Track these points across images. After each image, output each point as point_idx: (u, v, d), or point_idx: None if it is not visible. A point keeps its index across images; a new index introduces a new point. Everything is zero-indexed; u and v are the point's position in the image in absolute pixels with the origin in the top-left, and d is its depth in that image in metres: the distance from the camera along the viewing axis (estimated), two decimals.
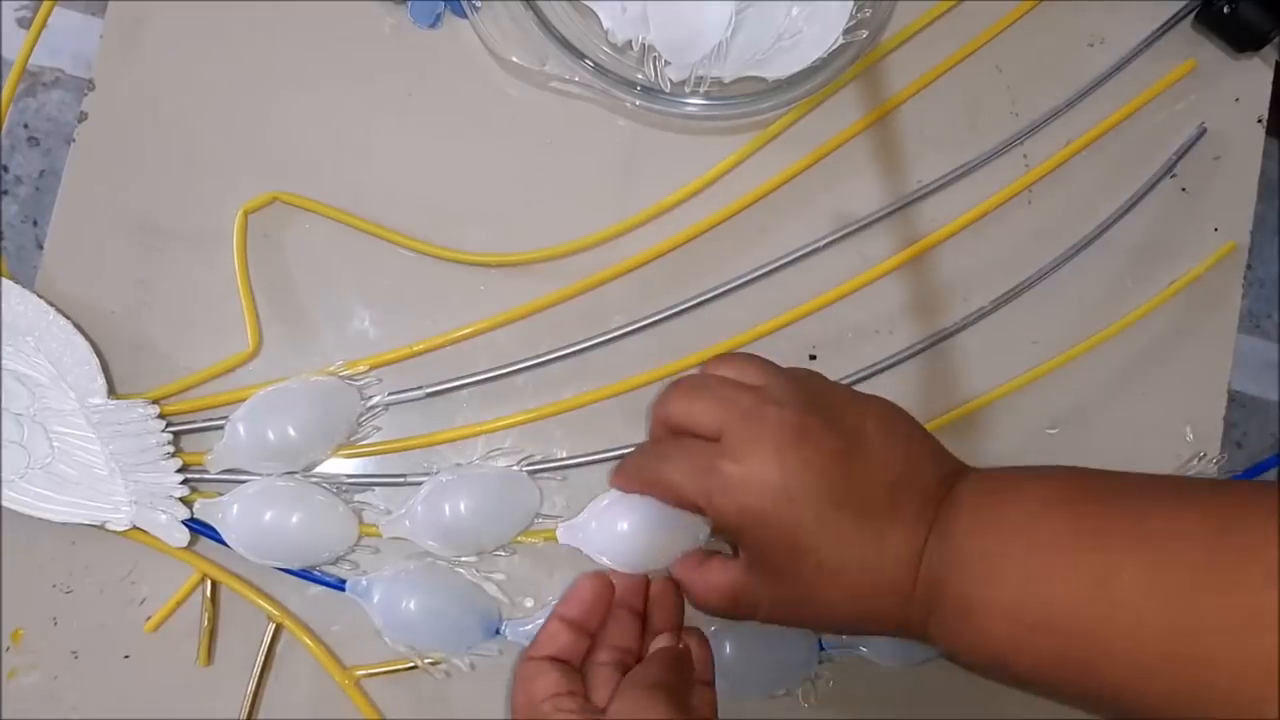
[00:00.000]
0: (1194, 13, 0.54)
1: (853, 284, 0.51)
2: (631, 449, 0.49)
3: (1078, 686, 0.37)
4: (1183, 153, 0.54)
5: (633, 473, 0.46)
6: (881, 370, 0.52)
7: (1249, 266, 0.55)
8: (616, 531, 0.47)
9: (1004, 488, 0.40)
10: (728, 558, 0.44)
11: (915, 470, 0.41)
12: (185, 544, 0.47)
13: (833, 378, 0.51)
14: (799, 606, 0.42)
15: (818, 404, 0.42)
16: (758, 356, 0.44)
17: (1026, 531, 0.38)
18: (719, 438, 0.41)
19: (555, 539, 0.49)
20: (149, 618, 0.49)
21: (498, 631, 0.49)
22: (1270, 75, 0.55)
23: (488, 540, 0.49)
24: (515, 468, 0.50)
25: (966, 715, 0.53)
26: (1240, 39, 0.53)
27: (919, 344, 0.52)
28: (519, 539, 0.49)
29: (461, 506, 0.48)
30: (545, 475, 0.50)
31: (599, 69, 0.48)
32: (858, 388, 0.51)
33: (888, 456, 0.41)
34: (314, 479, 0.49)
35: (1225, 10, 0.52)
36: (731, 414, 0.41)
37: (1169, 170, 0.54)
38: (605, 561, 0.48)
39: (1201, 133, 0.54)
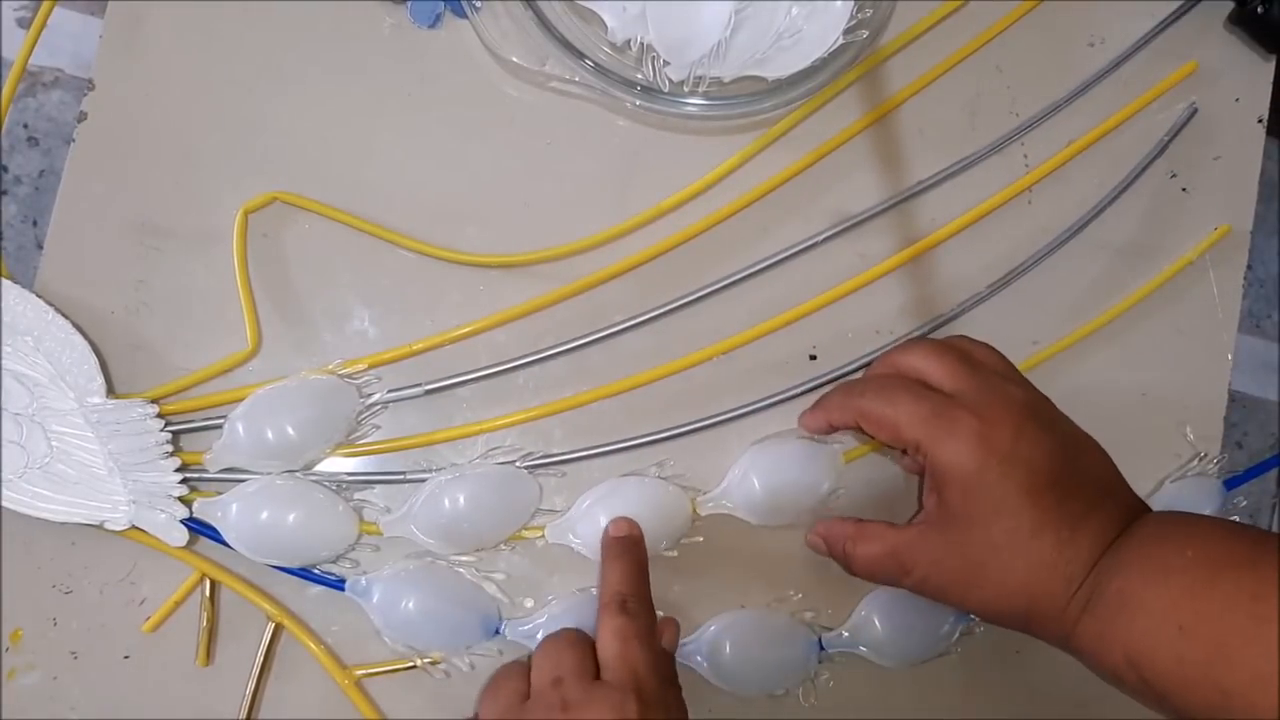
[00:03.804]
0: (1188, 11, 0.54)
1: (852, 284, 0.51)
2: (631, 441, 0.50)
3: (1202, 699, 0.38)
4: (1174, 132, 0.54)
5: (842, 404, 0.47)
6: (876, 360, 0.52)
7: (1249, 266, 0.55)
8: (599, 524, 0.48)
9: (1184, 519, 0.43)
10: (889, 524, 0.46)
11: (1117, 488, 0.45)
12: (184, 543, 0.47)
13: (832, 378, 0.51)
14: (963, 577, 0.44)
15: (1048, 405, 0.45)
16: (1000, 354, 0.47)
17: (1195, 553, 0.40)
18: (953, 393, 0.44)
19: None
20: (148, 618, 0.49)
21: (497, 631, 0.49)
22: (1270, 75, 0.55)
23: (488, 536, 0.49)
24: (515, 464, 0.50)
25: (966, 715, 0.53)
26: (1273, 40, 0.54)
27: (916, 329, 0.52)
28: (519, 534, 0.49)
29: (461, 501, 0.48)
30: (545, 472, 0.50)
31: (599, 69, 0.48)
32: (854, 379, 0.52)
33: (1099, 468, 0.44)
34: (313, 477, 0.49)
35: (1259, 10, 0.53)
36: (975, 379, 0.44)
37: (1161, 150, 0.54)
38: (590, 555, 0.49)
39: (1193, 113, 0.54)
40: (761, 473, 0.50)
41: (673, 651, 0.47)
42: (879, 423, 0.45)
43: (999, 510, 0.42)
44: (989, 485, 0.42)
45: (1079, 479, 0.43)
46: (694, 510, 0.50)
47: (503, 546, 0.50)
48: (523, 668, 0.45)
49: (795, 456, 0.50)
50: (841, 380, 0.49)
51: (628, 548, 0.47)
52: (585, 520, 0.49)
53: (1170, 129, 0.54)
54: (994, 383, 0.44)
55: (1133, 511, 0.44)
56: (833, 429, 0.48)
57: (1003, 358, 0.47)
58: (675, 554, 0.50)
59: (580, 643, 0.44)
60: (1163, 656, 0.39)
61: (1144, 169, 0.54)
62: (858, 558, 0.46)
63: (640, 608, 0.45)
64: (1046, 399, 0.45)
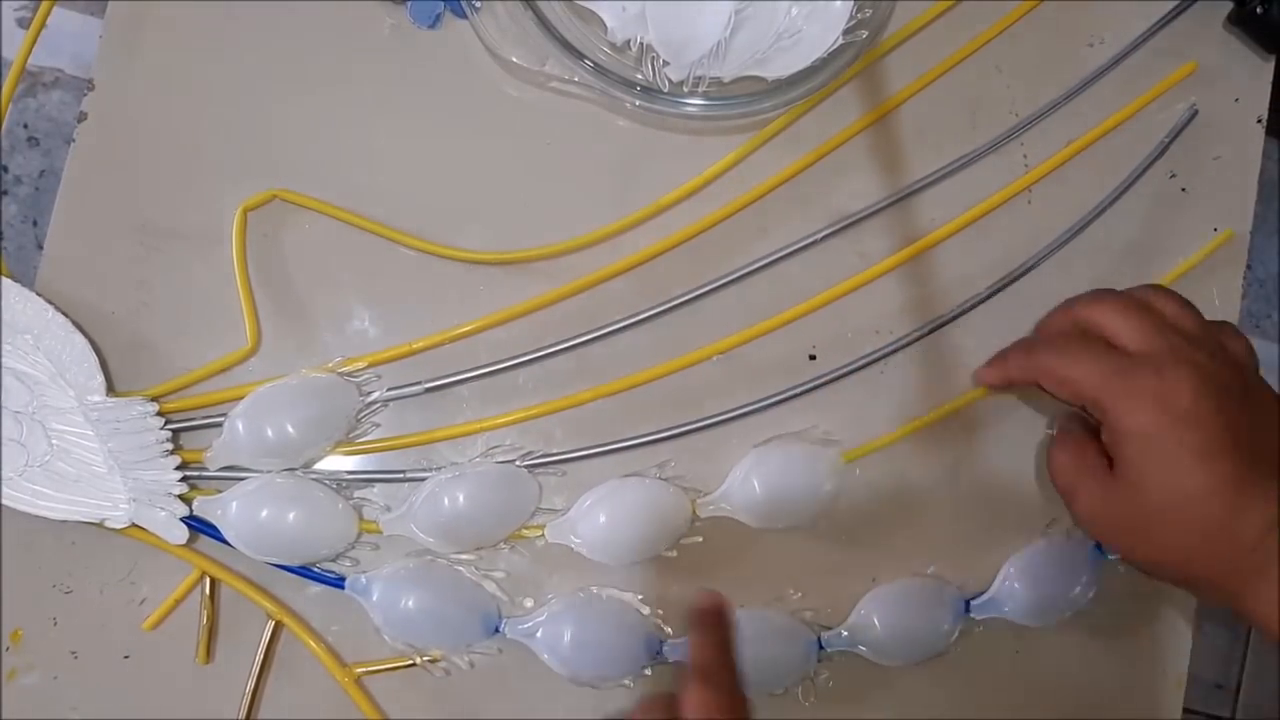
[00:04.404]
0: (1186, 9, 0.54)
1: (852, 283, 0.51)
2: (631, 440, 0.50)
3: None
4: (1175, 134, 0.54)
5: (1022, 361, 0.47)
6: (876, 360, 0.52)
7: (1249, 266, 0.55)
8: (598, 524, 0.48)
9: None
10: (1091, 440, 0.46)
11: None
12: (184, 541, 0.47)
13: (831, 379, 0.51)
14: (1129, 530, 0.44)
15: (1241, 369, 0.45)
16: (1195, 309, 0.47)
17: None
18: (1136, 353, 0.44)
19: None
20: (148, 617, 0.49)
21: (497, 629, 0.49)
22: (1270, 75, 0.55)
23: (488, 535, 0.49)
24: (515, 463, 0.50)
25: (966, 715, 0.53)
26: (1272, 40, 0.54)
27: (916, 331, 0.52)
28: (519, 533, 0.49)
29: (461, 500, 0.48)
30: (545, 471, 0.50)
31: (598, 69, 0.48)
32: (855, 379, 0.52)
33: None
34: (313, 475, 0.49)
35: (1258, 11, 0.53)
36: (1162, 341, 0.44)
37: (1161, 151, 0.54)
38: (590, 555, 0.49)
39: (1193, 114, 0.54)
40: (763, 476, 0.50)
41: None
42: (1058, 380, 0.45)
43: (1172, 472, 0.42)
44: (1163, 447, 0.42)
45: (1261, 445, 0.43)
46: (694, 511, 0.50)
47: (502, 545, 0.50)
48: None
49: (797, 460, 0.50)
50: (1022, 339, 0.50)
51: (716, 621, 0.44)
52: (586, 520, 0.49)
53: (1170, 130, 0.54)
54: (1177, 344, 0.44)
55: None
56: (1010, 384, 0.49)
57: (1192, 313, 0.46)
58: (675, 554, 0.50)
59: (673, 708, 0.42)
60: None
61: (1144, 170, 0.54)
62: (1051, 452, 0.47)
63: (727, 683, 0.42)
64: (1239, 361, 0.45)
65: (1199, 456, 0.42)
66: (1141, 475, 0.43)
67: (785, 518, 0.50)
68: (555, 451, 0.50)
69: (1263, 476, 0.42)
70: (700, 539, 0.50)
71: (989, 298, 0.52)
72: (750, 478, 0.50)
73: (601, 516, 0.49)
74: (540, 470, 0.50)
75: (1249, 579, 0.42)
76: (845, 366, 0.52)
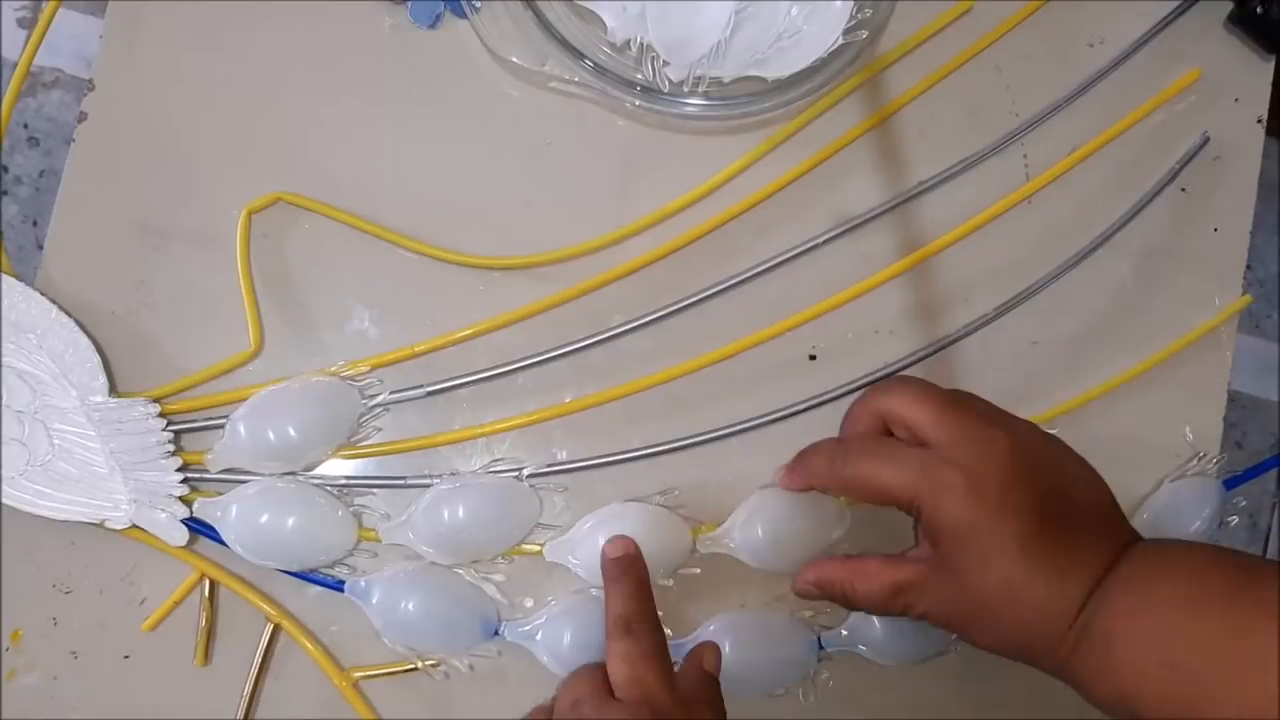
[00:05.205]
0: (1187, 10, 0.54)
1: (856, 290, 0.51)
2: (632, 453, 0.50)
3: None
4: (1186, 161, 0.54)
5: (826, 471, 0.46)
6: (883, 376, 0.52)
7: (1249, 266, 0.55)
8: (597, 547, 0.48)
9: (1169, 549, 0.43)
10: (889, 556, 0.45)
11: (1108, 519, 0.44)
12: (184, 543, 0.47)
13: (833, 379, 0.52)
14: (966, 617, 0.44)
15: (1039, 444, 0.44)
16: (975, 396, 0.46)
17: (1177, 586, 0.41)
18: (937, 445, 0.43)
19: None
20: (148, 618, 0.49)
21: (496, 632, 0.49)
22: (1270, 75, 0.55)
23: (487, 549, 0.49)
24: (516, 477, 0.49)
25: (967, 715, 0.53)
26: (1272, 40, 0.54)
27: (921, 351, 0.52)
28: (518, 549, 0.49)
29: (461, 513, 0.48)
30: (545, 484, 0.50)
31: (599, 69, 0.48)
32: (859, 393, 0.51)
33: (1090, 500, 0.44)
34: (315, 480, 0.49)
35: (1258, 11, 0.53)
36: (958, 426, 0.43)
37: (1172, 178, 0.54)
38: (586, 578, 0.49)
39: (1205, 141, 0.54)
40: (766, 520, 0.49)
41: (715, 673, 0.47)
42: (867, 488, 0.45)
43: (991, 561, 0.42)
44: (980, 539, 0.42)
45: (1070, 518, 0.43)
46: (694, 542, 0.50)
47: (500, 560, 0.50)
48: (550, 703, 0.46)
49: (801, 506, 0.50)
50: (820, 442, 0.47)
51: (626, 568, 0.47)
52: (585, 543, 0.49)
53: (1182, 157, 0.54)
54: (976, 429, 0.43)
55: (1124, 543, 0.44)
56: (813, 490, 0.48)
57: (980, 402, 0.45)
58: (671, 584, 0.50)
59: (600, 670, 0.45)
60: (1150, 693, 0.40)
61: (1156, 194, 0.54)
62: (859, 597, 0.45)
63: (644, 627, 0.45)
64: (1030, 430, 0.45)
65: (1015, 543, 0.42)
66: (964, 566, 0.43)
67: (786, 562, 0.50)
68: (557, 459, 0.50)
69: (1076, 549, 0.43)
70: (698, 570, 0.50)
71: (995, 318, 0.52)
72: (754, 521, 0.49)
73: (601, 539, 0.48)
74: (541, 485, 0.50)
75: (1071, 654, 0.42)
76: (849, 384, 0.52)
